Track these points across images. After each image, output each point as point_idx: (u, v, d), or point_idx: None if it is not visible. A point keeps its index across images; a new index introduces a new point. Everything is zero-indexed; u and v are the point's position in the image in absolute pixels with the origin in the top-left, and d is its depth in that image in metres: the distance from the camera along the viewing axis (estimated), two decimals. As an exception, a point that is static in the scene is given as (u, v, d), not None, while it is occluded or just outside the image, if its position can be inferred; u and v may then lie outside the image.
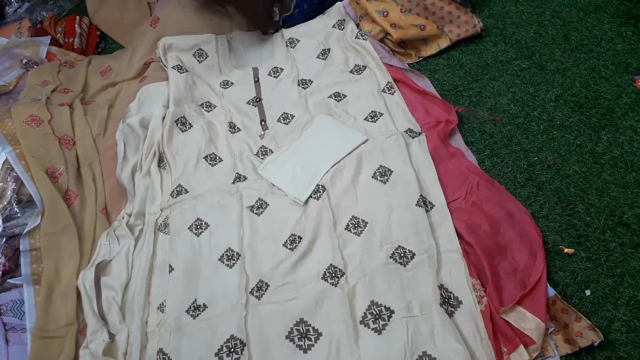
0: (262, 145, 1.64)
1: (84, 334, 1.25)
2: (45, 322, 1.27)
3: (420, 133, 1.49)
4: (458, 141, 1.54)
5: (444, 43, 1.80)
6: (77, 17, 2.22)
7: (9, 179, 1.46)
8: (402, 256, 1.25)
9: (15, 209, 1.43)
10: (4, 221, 1.40)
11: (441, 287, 1.19)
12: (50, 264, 1.36)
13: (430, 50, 1.81)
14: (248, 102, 1.79)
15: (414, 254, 1.25)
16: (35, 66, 1.91)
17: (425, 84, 1.70)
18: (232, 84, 1.86)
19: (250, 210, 1.44)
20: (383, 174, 1.40)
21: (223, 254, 1.37)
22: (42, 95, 1.74)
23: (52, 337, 1.26)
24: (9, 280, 1.37)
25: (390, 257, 1.25)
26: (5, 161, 1.49)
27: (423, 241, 1.26)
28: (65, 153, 1.58)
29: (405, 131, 1.50)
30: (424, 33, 1.78)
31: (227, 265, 1.35)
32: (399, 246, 1.26)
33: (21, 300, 1.32)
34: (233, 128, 1.71)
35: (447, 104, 1.59)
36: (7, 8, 2.42)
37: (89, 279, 1.33)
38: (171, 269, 1.36)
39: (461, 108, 1.62)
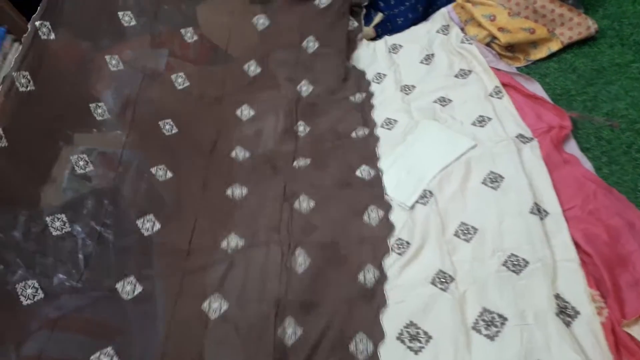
0: (367, 150, 1.67)
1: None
2: None
3: (532, 138, 1.46)
4: (572, 148, 1.48)
5: (554, 46, 1.74)
6: (191, 30, 2.39)
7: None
8: (515, 264, 1.23)
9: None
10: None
11: (557, 296, 1.16)
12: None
13: (540, 53, 1.76)
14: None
15: (527, 262, 1.22)
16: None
17: (536, 88, 1.65)
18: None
19: (358, 215, 1.48)
20: (494, 180, 1.38)
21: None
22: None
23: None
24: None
25: (503, 265, 1.23)
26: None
27: (537, 249, 1.23)
28: None
29: (516, 136, 1.47)
30: (533, 36, 1.73)
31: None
32: (512, 254, 1.24)
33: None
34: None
35: (559, 109, 1.54)
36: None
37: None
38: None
39: (575, 113, 1.56)
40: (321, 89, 1.87)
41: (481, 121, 1.56)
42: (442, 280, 1.25)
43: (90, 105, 1.74)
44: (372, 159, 1.59)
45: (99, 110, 1.76)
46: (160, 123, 1.79)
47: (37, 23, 1.62)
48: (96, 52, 1.81)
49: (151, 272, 1.47)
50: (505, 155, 1.42)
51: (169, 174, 1.66)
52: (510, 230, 1.28)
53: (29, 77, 1.56)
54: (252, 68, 1.99)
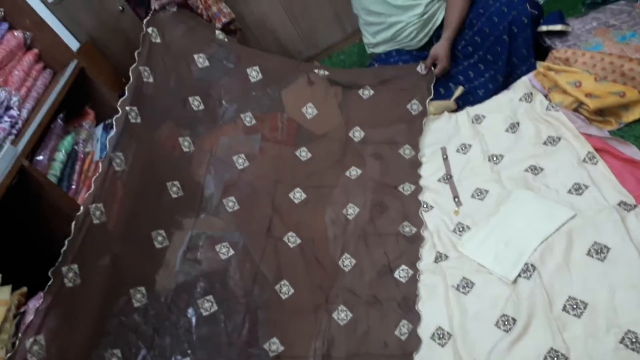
0: (459, 222, 1.69)
1: None
2: None
3: (635, 205, 1.41)
4: (681, 213, 1.42)
5: (648, 107, 1.71)
6: (279, 114, 2.57)
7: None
8: (634, 341, 1.17)
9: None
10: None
11: (684, 376, 1.10)
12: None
13: (632, 115, 1.73)
14: (439, 180, 1.87)
15: (647, 339, 1.17)
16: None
17: (633, 151, 1.61)
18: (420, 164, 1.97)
19: (456, 289, 1.48)
20: (599, 251, 1.35)
21: (434, 333, 1.42)
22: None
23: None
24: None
25: (620, 342, 1.18)
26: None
27: (657, 325, 1.18)
28: None
29: (618, 204, 1.43)
30: (624, 100, 1.71)
31: (439, 344, 1.40)
32: (629, 330, 1.19)
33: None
34: (426, 206, 1.80)
35: (662, 173, 1.49)
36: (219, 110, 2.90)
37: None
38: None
39: (679, 176, 1.50)
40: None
41: (578, 189, 1.54)
42: (554, 358, 1.22)
43: (195, 191, 1.89)
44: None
45: (203, 195, 1.91)
46: (257, 202, 1.92)
47: (127, 108, 1.79)
48: (187, 137, 1.97)
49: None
50: (609, 225, 1.38)
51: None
52: (624, 305, 1.23)
53: (122, 157, 1.69)
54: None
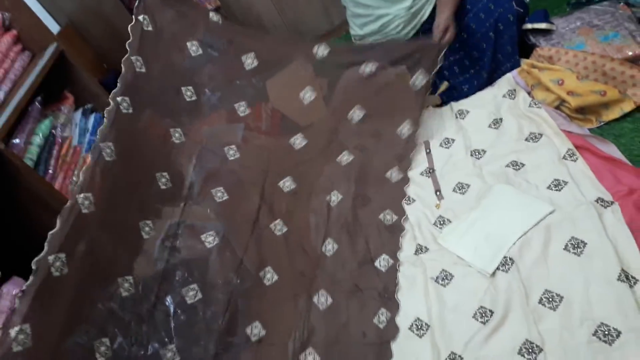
0: (440, 215, 1.70)
1: None
2: None
3: (612, 202, 1.44)
4: (657, 211, 1.45)
5: (627, 107, 1.74)
6: (263, 104, 2.55)
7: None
8: (607, 334, 1.20)
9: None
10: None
11: (655, 369, 1.12)
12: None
13: (612, 114, 1.76)
14: (421, 174, 1.89)
15: (619, 332, 1.19)
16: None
17: (611, 150, 1.64)
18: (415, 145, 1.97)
19: (435, 281, 1.50)
20: (576, 246, 1.37)
21: (412, 324, 1.43)
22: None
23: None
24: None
25: (593, 335, 1.20)
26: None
27: (629, 319, 1.20)
28: None
29: (596, 200, 1.46)
30: (604, 99, 1.74)
31: (417, 335, 1.41)
32: (602, 323, 1.21)
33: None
34: (408, 199, 1.81)
35: (639, 171, 1.52)
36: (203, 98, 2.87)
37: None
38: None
39: (656, 174, 1.53)
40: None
41: (557, 185, 1.56)
42: (529, 350, 1.24)
43: (176, 179, 1.87)
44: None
45: (185, 185, 1.89)
46: (244, 193, 1.90)
47: (119, 99, 1.73)
48: (177, 128, 1.93)
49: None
50: (586, 221, 1.40)
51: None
52: (598, 299, 1.25)
53: (112, 147, 1.64)
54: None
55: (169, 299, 1.59)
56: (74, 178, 2.04)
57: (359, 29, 2.32)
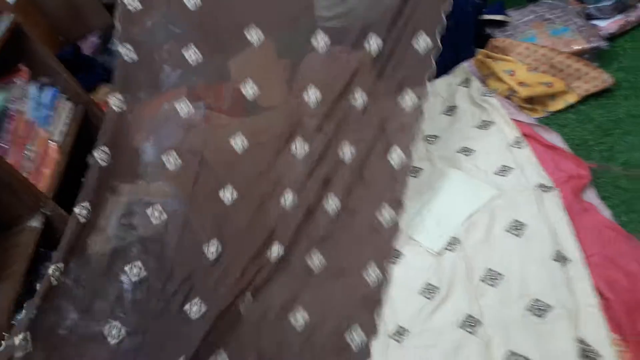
0: (393, 198, 1.76)
1: None
2: None
3: (553, 188, 1.53)
4: (591, 196, 1.55)
5: (571, 98, 1.84)
6: (224, 83, 2.55)
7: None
8: (540, 309, 1.29)
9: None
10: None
11: (581, 341, 1.21)
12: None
13: (557, 105, 1.85)
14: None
15: (551, 307, 1.28)
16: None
17: (555, 138, 1.73)
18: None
19: (386, 259, 1.56)
20: (517, 227, 1.45)
21: (363, 300, 1.50)
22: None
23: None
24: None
25: (528, 310, 1.29)
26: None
27: (560, 295, 1.29)
28: None
29: (538, 186, 1.55)
30: (551, 90, 1.83)
31: (367, 309, 1.47)
32: (536, 299, 1.30)
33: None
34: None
35: (578, 159, 1.61)
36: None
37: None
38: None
39: (594, 164, 1.62)
40: None
41: (503, 171, 1.64)
42: (470, 324, 1.32)
43: (133, 156, 1.86)
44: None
45: (142, 162, 1.88)
46: (200, 171, 1.90)
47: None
48: (134, 104, 1.90)
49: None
50: (527, 204, 1.49)
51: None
52: (534, 277, 1.34)
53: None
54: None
55: (124, 277, 1.60)
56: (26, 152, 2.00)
57: (325, 11, 2.31)
